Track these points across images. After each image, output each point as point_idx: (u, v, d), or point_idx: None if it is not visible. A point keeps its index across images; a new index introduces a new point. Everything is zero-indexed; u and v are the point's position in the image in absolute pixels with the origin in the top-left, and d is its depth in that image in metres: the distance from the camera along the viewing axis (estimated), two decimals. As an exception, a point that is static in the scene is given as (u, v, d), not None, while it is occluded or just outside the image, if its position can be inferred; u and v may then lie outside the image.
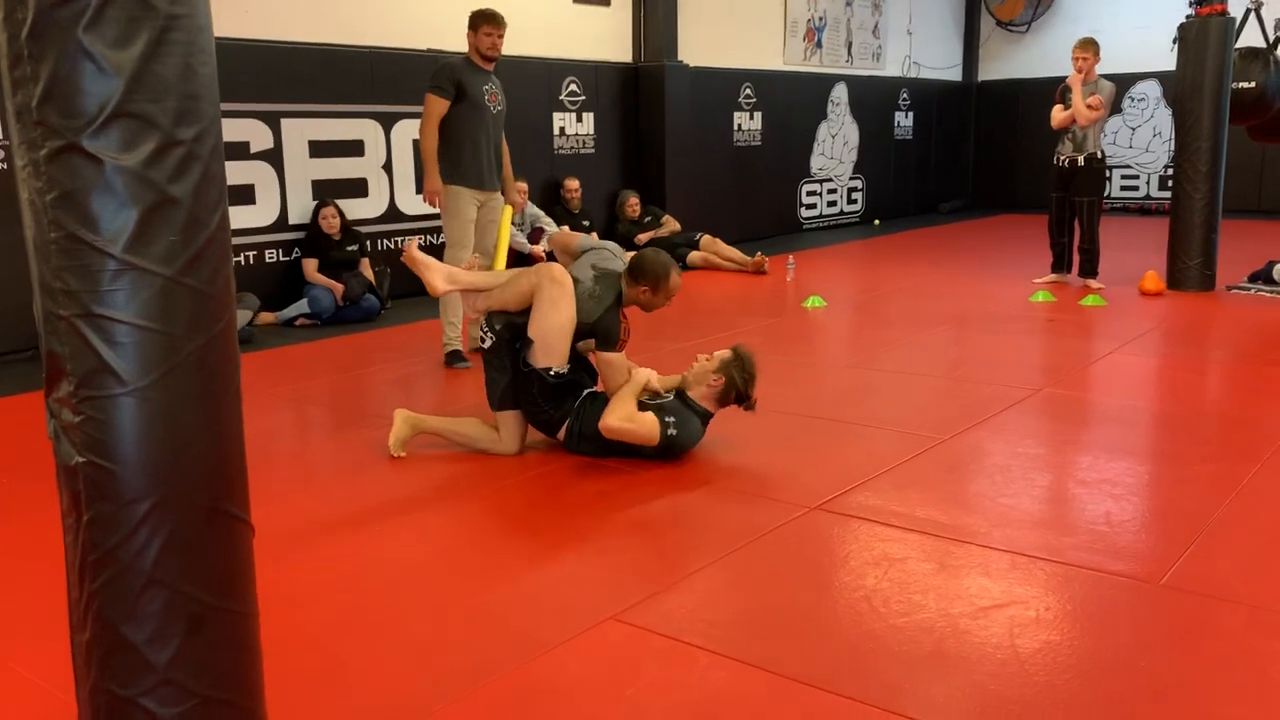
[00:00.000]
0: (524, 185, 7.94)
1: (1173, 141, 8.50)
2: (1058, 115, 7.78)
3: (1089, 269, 7.89)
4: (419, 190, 8.12)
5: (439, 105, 5.55)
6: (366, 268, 7.42)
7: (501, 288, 4.11)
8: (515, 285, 4.05)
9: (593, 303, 4.03)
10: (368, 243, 7.64)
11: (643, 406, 3.95)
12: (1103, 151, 7.84)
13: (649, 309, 4.22)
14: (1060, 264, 8.14)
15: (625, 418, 3.85)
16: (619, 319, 4.04)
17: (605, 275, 4.15)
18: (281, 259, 7.38)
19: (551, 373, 3.98)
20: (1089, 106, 7.59)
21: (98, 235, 1.58)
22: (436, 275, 4.18)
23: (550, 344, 3.94)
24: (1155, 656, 2.48)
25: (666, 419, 3.88)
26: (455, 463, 4.07)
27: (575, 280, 4.04)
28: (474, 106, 5.60)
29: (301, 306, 7.09)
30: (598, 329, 4.02)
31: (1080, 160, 7.75)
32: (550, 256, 8.49)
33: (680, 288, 4.19)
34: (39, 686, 2.39)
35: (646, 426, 3.86)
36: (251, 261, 7.21)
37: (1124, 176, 14.01)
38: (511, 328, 4.05)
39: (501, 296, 4.09)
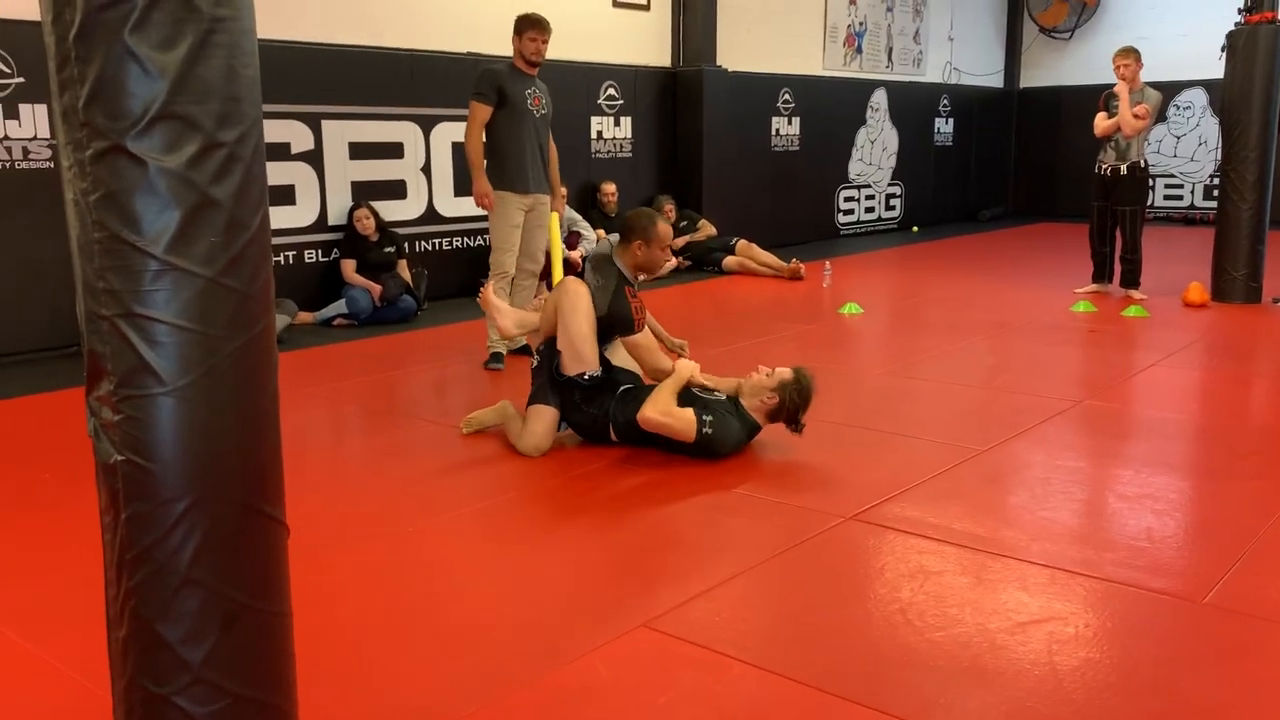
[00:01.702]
0: (563, 190, 7.97)
1: (1218, 150, 8.35)
2: (1101, 123, 7.68)
3: (1131, 279, 7.78)
4: (458, 193, 8.18)
5: (482, 111, 5.61)
6: (404, 269, 7.47)
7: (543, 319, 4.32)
8: (546, 311, 4.27)
9: (600, 294, 4.15)
10: (405, 244, 7.69)
11: (690, 399, 3.98)
12: (1146, 160, 7.72)
13: (652, 268, 4.31)
14: (1101, 274, 8.03)
15: (663, 411, 3.89)
16: (626, 299, 4.12)
17: (599, 262, 4.29)
18: (320, 259, 7.45)
19: (586, 377, 4.08)
20: (1135, 115, 7.47)
21: (140, 236, 1.59)
22: (507, 319, 4.65)
23: (578, 350, 4.06)
24: (1197, 677, 2.43)
25: (704, 416, 3.90)
26: (490, 464, 4.08)
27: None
28: (517, 111, 5.64)
29: (339, 307, 7.15)
30: (612, 317, 4.11)
31: (1123, 169, 7.64)
32: (585, 262, 8.55)
33: (671, 235, 4.31)
34: (75, 680, 2.42)
35: (684, 421, 3.89)
36: (291, 261, 7.27)
37: (1168, 185, 13.81)
38: (551, 346, 4.19)
39: (542, 326, 4.32)
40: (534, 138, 5.73)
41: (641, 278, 4.34)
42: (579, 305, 4.07)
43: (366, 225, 7.31)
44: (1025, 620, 2.69)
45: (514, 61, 5.74)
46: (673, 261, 9.43)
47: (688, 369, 4.09)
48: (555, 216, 6.04)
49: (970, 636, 2.60)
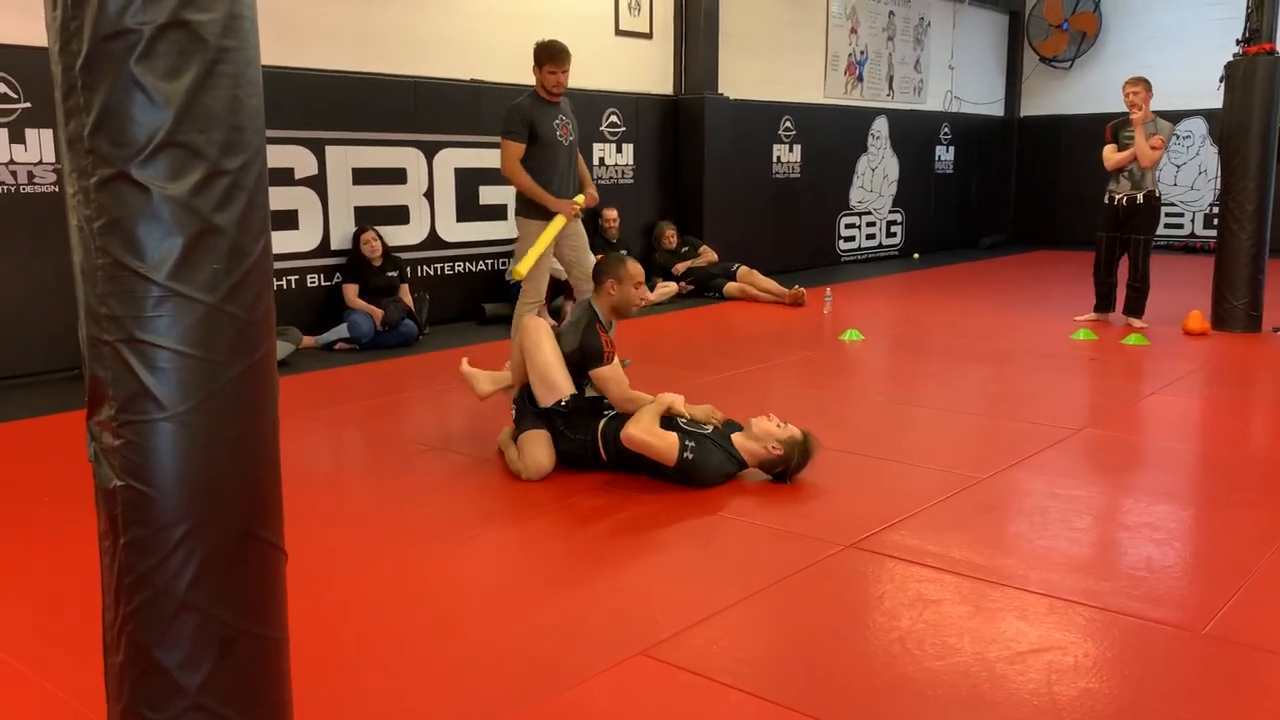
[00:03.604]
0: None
1: (1218, 180, 8.37)
2: (1113, 156, 7.61)
3: (1136, 307, 7.75)
4: (460, 219, 8.21)
5: (515, 148, 5.66)
6: (406, 294, 7.49)
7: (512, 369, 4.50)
8: (514, 359, 4.44)
9: (571, 329, 4.29)
10: (407, 269, 7.72)
11: (676, 427, 4.02)
12: (1160, 189, 7.72)
13: (626, 307, 4.37)
14: (1105, 304, 7.97)
15: (646, 430, 3.95)
16: (597, 334, 4.22)
17: (580, 305, 4.49)
18: (323, 284, 7.47)
19: (563, 404, 4.16)
20: (1151, 146, 7.45)
21: (143, 262, 1.61)
22: (482, 383, 4.75)
23: (548, 380, 4.17)
24: (1196, 708, 2.42)
25: (687, 442, 3.94)
26: (488, 490, 4.08)
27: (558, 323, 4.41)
28: (547, 144, 5.70)
29: (341, 331, 7.17)
30: (584, 349, 4.20)
31: (1139, 198, 7.60)
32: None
33: (641, 273, 4.40)
34: (72, 706, 2.41)
35: (665, 442, 3.94)
36: (293, 286, 7.30)
37: (1168, 214, 13.84)
38: (526, 391, 4.30)
39: (514, 374, 4.48)
40: (564, 166, 5.78)
41: (616, 320, 4.44)
42: (540, 339, 4.22)
43: (374, 248, 7.34)
44: (1024, 650, 2.68)
45: (536, 91, 5.77)
46: (672, 288, 9.47)
47: (669, 398, 4.16)
48: (568, 214, 5.79)
49: (969, 666, 2.60)
